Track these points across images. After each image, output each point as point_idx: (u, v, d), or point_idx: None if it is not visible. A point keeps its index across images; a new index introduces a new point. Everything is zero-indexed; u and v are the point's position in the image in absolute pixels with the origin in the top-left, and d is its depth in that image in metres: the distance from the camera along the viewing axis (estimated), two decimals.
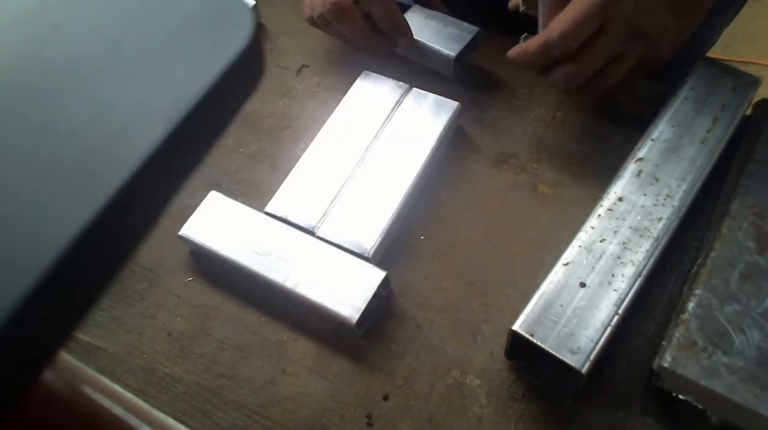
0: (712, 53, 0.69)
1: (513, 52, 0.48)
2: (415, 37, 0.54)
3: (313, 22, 0.55)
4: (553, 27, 0.45)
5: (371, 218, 0.45)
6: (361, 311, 0.41)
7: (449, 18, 0.56)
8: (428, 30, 0.55)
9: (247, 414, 0.41)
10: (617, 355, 0.41)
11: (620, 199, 0.43)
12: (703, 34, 0.69)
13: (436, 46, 0.54)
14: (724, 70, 0.49)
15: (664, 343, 0.38)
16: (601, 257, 0.40)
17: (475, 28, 0.55)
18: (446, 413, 0.40)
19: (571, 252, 0.41)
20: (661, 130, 0.46)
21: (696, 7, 0.47)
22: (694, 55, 0.73)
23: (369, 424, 0.40)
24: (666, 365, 0.36)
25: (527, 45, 0.47)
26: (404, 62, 0.55)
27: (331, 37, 0.57)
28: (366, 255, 0.44)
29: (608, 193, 0.43)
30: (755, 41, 1.68)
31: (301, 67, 0.58)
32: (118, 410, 0.29)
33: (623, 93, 0.51)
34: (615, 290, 0.39)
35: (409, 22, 0.54)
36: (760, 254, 0.40)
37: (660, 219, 0.42)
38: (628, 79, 0.48)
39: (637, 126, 0.48)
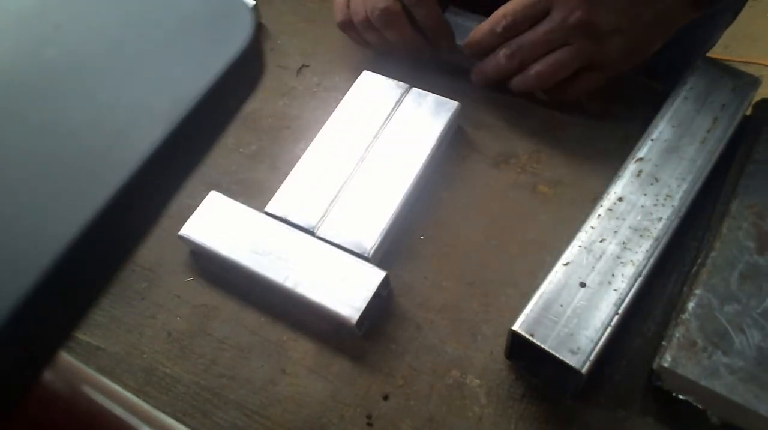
0: (712, 53, 0.69)
1: (467, 38, 0.50)
2: (458, 42, 0.53)
3: (347, 27, 0.53)
4: (499, 10, 0.47)
5: (371, 217, 0.45)
6: (361, 311, 0.41)
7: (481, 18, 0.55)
8: (464, 33, 0.54)
9: (247, 414, 0.41)
10: (617, 355, 0.41)
11: (620, 199, 0.43)
12: (702, 34, 0.69)
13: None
14: (724, 70, 0.49)
15: (664, 343, 0.38)
16: (601, 257, 0.40)
17: None
18: (446, 413, 0.40)
19: (571, 252, 0.41)
20: (661, 130, 0.46)
21: (656, 23, 0.47)
22: (694, 56, 0.73)
23: (369, 424, 0.40)
24: (666, 365, 0.36)
25: (478, 26, 0.49)
26: (404, 62, 0.55)
27: (358, 44, 0.56)
28: (366, 255, 0.44)
29: (608, 193, 0.43)
30: (755, 41, 1.68)
31: (301, 67, 0.58)
32: (118, 410, 0.29)
33: (582, 96, 0.51)
34: (615, 290, 0.39)
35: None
36: (760, 254, 0.40)
37: (660, 219, 0.42)
38: (580, 82, 0.49)
39: (637, 126, 0.48)
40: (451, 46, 0.53)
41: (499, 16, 0.47)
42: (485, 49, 0.49)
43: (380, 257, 0.46)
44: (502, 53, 0.48)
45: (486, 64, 0.50)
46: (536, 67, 0.48)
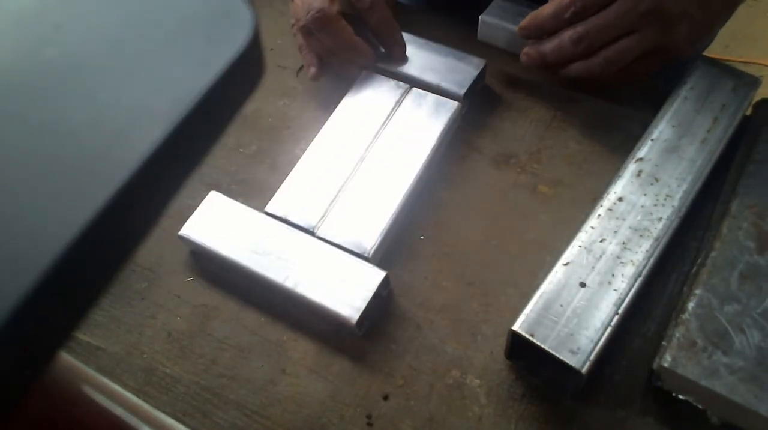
0: (712, 53, 0.69)
1: (525, 21, 0.48)
2: (415, 73, 0.52)
3: (296, 33, 0.53)
4: None
5: (371, 217, 0.45)
6: (361, 311, 0.41)
7: (451, 50, 0.54)
8: (430, 63, 0.53)
9: (247, 414, 0.41)
10: (617, 355, 0.41)
11: (620, 199, 0.43)
12: None
13: (443, 85, 0.51)
14: (724, 70, 0.49)
15: (664, 343, 0.38)
16: (601, 257, 0.40)
17: (482, 61, 0.52)
18: (446, 413, 0.40)
19: (571, 252, 0.41)
20: (661, 130, 0.46)
21: (722, 5, 0.47)
22: (692, 56, 0.72)
23: (369, 424, 0.40)
24: (666, 365, 0.36)
25: (540, 10, 0.47)
26: (407, 53, 0.55)
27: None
28: (366, 255, 0.44)
29: (608, 193, 0.43)
30: (755, 41, 1.68)
31: (301, 67, 0.58)
32: (118, 410, 0.29)
33: (636, 79, 0.50)
34: (615, 290, 0.39)
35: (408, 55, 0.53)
36: (760, 254, 0.40)
37: (660, 219, 0.42)
38: (642, 65, 0.48)
39: (637, 126, 0.48)
40: (404, 55, 0.53)
41: (567, 1, 0.45)
42: (546, 32, 0.48)
43: (380, 257, 0.46)
44: (568, 36, 0.47)
45: (545, 46, 0.49)
46: (604, 54, 0.47)
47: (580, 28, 0.46)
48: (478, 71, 0.52)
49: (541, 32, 0.49)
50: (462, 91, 0.51)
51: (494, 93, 0.54)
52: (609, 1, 0.45)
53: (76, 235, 0.15)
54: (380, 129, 0.50)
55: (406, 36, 0.54)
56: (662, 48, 0.47)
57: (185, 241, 0.46)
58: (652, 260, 0.40)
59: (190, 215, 0.46)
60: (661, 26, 0.45)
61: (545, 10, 0.47)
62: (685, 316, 0.38)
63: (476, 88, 0.52)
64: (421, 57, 0.53)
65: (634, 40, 0.46)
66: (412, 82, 0.52)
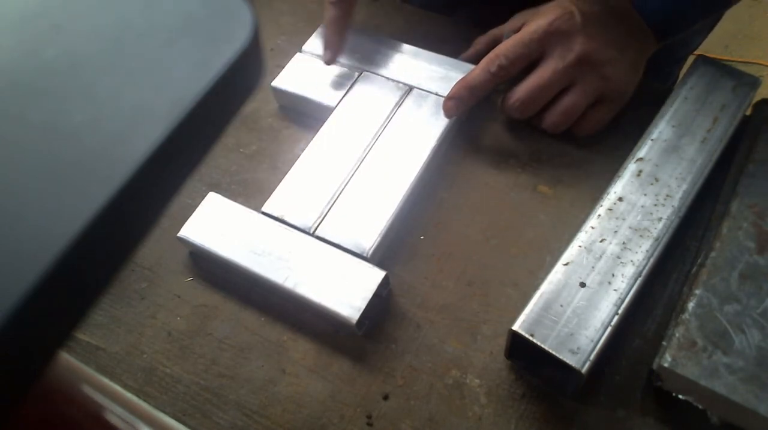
0: (712, 53, 0.69)
1: (452, 90, 0.49)
2: (413, 82, 0.52)
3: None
4: (497, 49, 0.48)
5: (371, 218, 0.45)
6: (361, 311, 0.41)
7: (447, 59, 0.54)
8: (427, 72, 0.53)
9: (247, 414, 0.41)
10: (617, 355, 0.41)
11: (620, 199, 0.43)
12: (681, 40, 0.68)
13: (442, 93, 0.51)
14: (724, 70, 0.49)
15: (664, 343, 0.38)
16: (601, 257, 0.40)
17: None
18: (446, 413, 0.40)
19: (571, 252, 0.41)
20: (661, 130, 0.46)
21: (638, 45, 0.48)
22: (678, 57, 0.73)
23: (369, 424, 0.40)
24: (666, 365, 0.36)
25: (467, 75, 0.49)
26: (404, 63, 0.55)
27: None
28: (365, 255, 0.44)
29: (608, 193, 0.43)
30: (755, 41, 1.69)
31: None
32: (118, 410, 0.29)
33: (599, 129, 0.50)
34: (615, 290, 0.39)
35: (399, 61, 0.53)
36: (760, 254, 0.40)
37: (660, 219, 0.42)
38: (595, 115, 0.49)
39: (637, 126, 0.48)
40: (327, 62, 0.53)
41: (493, 56, 0.47)
42: (483, 91, 0.49)
43: (379, 257, 0.46)
44: (513, 103, 0.48)
45: (503, 107, 0.50)
46: (554, 113, 0.48)
47: (520, 93, 0.48)
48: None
49: (480, 91, 0.49)
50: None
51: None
52: (535, 56, 0.47)
53: (76, 235, 0.15)
54: (380, 129, 0.50)
55: (405, 45, 0.54)
56: (606, 96, 0.48)
57: (184, 242, 0.46)
58: (652, 260, 0.40)
59: (190, 215, 0.46)
60: (596, 72, 0.47)
61: (475, 69, 0.49)
62: (685, 316, 0.38)
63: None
64: (418, 65, 0.53)
65: (576, 93, 0.47)
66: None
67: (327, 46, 0.53)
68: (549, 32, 0.46)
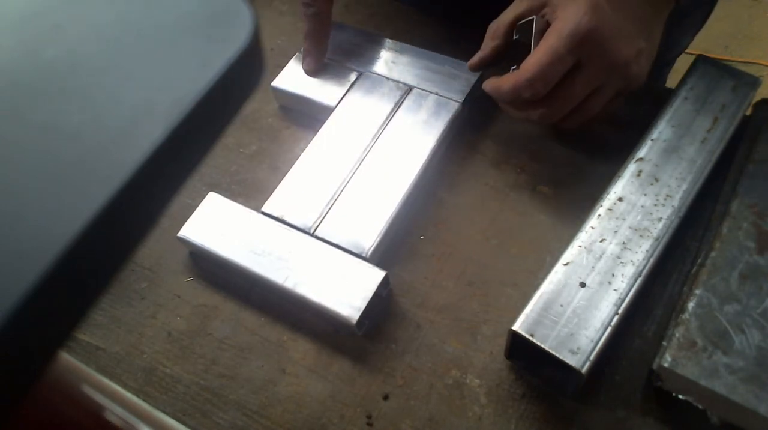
0: (712, 53, 0.69)
1: (488, 84, 0.47)
2: (413, 82, 0.52)
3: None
4: (524, 69, 0.43)
5: (370, 218, 0.45)
6: (361, 311, 0.41)
7: (447, 58, 0.53)
8: (427, 72, 0.52)
9: (247, 414, 0.41)
10: (617, 355, 0.41)
11: (620, 199, 0.43)
12: (671, 39, 0.68)
13: (441, 93, 0.51)
14: (724, 70, 0.49)
15: (664, 343, 0.38)
16: (601, 257, 0.40)
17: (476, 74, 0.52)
18: (446, 413, 0.40)
19: (571, 252, 0.41)
20: (661, 130, 0.46)
21: (658, 19, 0.46)
22: (667, 60, 0.72)
23: (369, 424, 0.40)
24: (666, 365, 0.36)
25: (501, 82, 0.46)
26: (404, 63, 0.55)
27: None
28: (364, 255, 0.44)
29: (608, 193, 0.43)
30: (755, 41, 1.68)
31: None
32: (118, 410, 0.29)
33: (603, 120, 0.50)
34: (615, 290, 0.39)
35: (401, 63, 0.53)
36: (760, 254, 0.40)
37: (660, 219, 0.42)
38: (607, 107, 0.47)
39: (637, 126, 0.48)
40: (309, 73, 0.53)
41: (524, 80, 0.43)
42: (510, 102, 0.47)
43: (379, 257, 0.45)
44: (538, 116, 0.46)
45: (529, 116, 0.47)
46: (574, 118, 0.47)
47: (552, 107, 0.45)
48: (476, 78, 0.52)
49: (512, 103, 0.47)
50: (461, 99, 0.51)
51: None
52: (563, 72, 0.43)
53: (76, 235, 0.15)
54: (380, 129, 0.50)
55: (405, 46, 0.54)
56: (624, 88, 0.47)
57: (184, 242, 0.46)
58: (652, 260, 0.40)
59: (190, 215, 0.46)
60: (620, 74, 0.45)
61: (504, 85, 0.45)
62: (685, 316, 0.38)
63: (475, 94, 0.52)
64: (418, 66, 0.53)
65: (601, 95, 0.46)
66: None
67: (306, 56, 0.53)
68: (581, 38, 0.42)
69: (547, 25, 0.45)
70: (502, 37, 0.48)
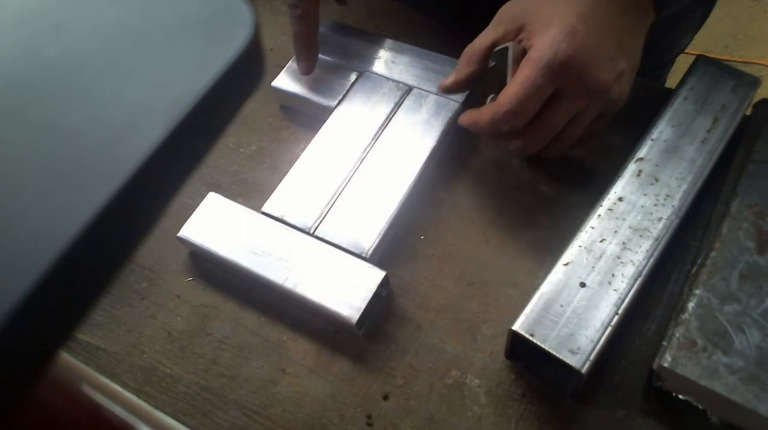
0: (712, 53, 0.69)
1: (465, 118, 0.46)
2: (413, 83, 0.52)
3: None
4: (501, 101, 0.42)
5: (370, 218, 0.45)
6: (361, 311, 0.41)
7: (448, 59, 0.53)
8: (427, 73, 0.52)
9: (247, 414, 0.41)
10: (617, 355, 0.41)
11: (620, 199, 0.43)
12: (671, 39, 0.68)
13: (441, 94, 0.51)
14: (724, 70, 0.49)
15: (664, 343, 0.38)
16: (601, 257, 0.40)
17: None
18: (446, 413, 0.40)
19: (571, 252, 0.41)
20: (661, 130, 0.46)
21: (637, 34, 0.45)
22: (667, 60, 0.72)
23: (369, 424, 0.40)
24: (666, 365, 0.36)
25: (478, 115, 0.44)
26: (404, 63, 0.55)
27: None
28: (364, 255, 0.44)
29: (608, 193, 0.43)
30: (755, 41, 1.69)
31: None
32: (118, 410, 0.29)
33: (586, 145, 0.49)
34: (615, 290, 0.39)
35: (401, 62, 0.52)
36: (760, 254, 0.40)
37: (660, 219, 0.42)
38: (589, 131, 0.46)
39: (637, 126, 0.48)
40: (304, 73, 0.53)
41: (502, 113, 0.42)
42: (488, 135, 0.46)
43: (379, 257, 0.46)
44: (517, 148, 0.46)
45: (508, 147, 0.47)
46: (555, 146, 0.46)
47: (522, 142, 0.45)
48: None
49: (487, 133, 0.46)
50: (461, 99, 0.51)
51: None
52: (541, 103, 0.42)
53: (76, 234, 0.15)
54: (380, 129, 0.50)
55: (405, 46, 0.54)
56: (606, 112, 0.45)
57: (184, 242, 0.46)
58: (652, 260, 0.40)
59: (190, 215, 0.46)
60: (601, 99, 0.43)
61: (482, 118, 0.44)
62: (685, 316, 0.38)
63: (475, 94, 0.52)
64: (418, 66, 0.53)
65: (579, 123, 0.45)
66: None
67: (299, 58, 0.53)
68: (559, 68, 0.40)
69: (524, 52, 0.43)
70: (478, 63, 0.47)
